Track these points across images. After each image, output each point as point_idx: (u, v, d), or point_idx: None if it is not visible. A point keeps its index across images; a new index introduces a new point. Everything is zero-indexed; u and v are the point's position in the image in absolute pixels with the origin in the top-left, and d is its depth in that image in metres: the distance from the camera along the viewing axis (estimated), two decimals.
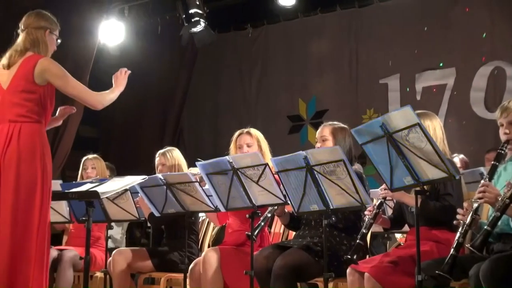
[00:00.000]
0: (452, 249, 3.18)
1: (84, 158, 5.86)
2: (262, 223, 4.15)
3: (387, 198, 3.91)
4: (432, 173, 3.17)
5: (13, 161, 3.77)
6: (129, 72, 4.29)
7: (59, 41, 4.17)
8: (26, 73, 3.87)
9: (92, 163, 5.78)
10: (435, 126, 3.78)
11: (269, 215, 4.20)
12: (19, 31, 4.06)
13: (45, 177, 3.83)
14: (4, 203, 3.73)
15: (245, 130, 4.79)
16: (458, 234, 3.23)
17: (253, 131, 4.79)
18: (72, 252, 5.27)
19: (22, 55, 3.95)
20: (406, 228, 4.13)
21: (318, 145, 4.31)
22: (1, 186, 3.76)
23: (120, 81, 4.23)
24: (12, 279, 3.65)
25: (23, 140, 3.81)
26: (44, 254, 3.78)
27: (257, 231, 4.08)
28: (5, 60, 3.98)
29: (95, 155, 5.88)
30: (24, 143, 3.81)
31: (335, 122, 4.38)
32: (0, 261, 3.65)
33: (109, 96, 4.12)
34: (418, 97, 8.11)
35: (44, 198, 3.80)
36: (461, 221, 3.27)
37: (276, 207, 4.16)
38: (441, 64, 8.01)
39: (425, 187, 3.30)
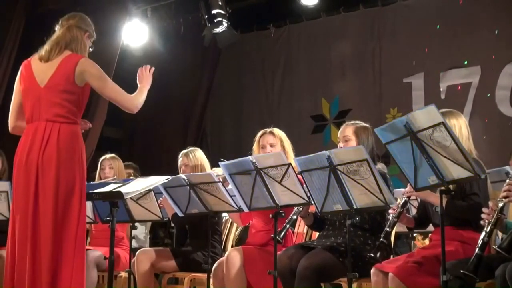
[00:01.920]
0: (477, 249, 3.15)
1: (102, 158, 5.86)
2: (288, 226, 4.14)
3: (412, 198, 3.89)
4: (457, 172, 3.14)
5: (53, 162, 3.73)
6: (153, 68, 4.26)
7: (91, 49, 4.13)
8: (67, 73, 3.83)
9: (109, 163, 5.76)
10: (461, 125, 3.74)
11: (294, 217, 4.19)
12: (57, 26, 4.02)
13: (82, 179, 3.82)
14: (45, 205, 3.70)
15: (268, 130, 4.78)
16: (483, 234, 3.20)
17: (276, 131, 4.78)
18: (97, 252, 5.30)
19: (61, 51, 3.89)
20: (430, 228, 4.10)
21: (341, 145, 4.29)
22: (40, 187, 3.73)
23: (146, 79, 4.18)
24: (54, 280, 3.66)
25: (63, 141, 3.78)
26: (83, 256, 3.78)
27: (282, 233, 4.07)
28: (44, 52, 3.91)
29: (112, 155, 5.86)
30: (63, 144, 3.78)
31: (357, 122, 4.36)
32: (43, 262, 3.66)
33: (141, 98, 4.07)
34: (443, 96, 8.04)
35: (82, 200, 3.79)
36: (486, 221, 3.23)
37: (301, 208, 4.15)
38: (465, 62, 7.93)
39: (450, 186, 3.27)
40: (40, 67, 3.90)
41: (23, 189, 3.77)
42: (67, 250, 3.70)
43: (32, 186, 3.74)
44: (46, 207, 3.70)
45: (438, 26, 8.14)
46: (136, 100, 4.02)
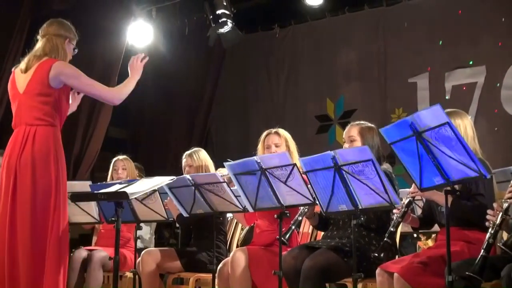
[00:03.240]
0: (482, 250, 3.14)
1: (115, 159, 5.88)
2: (293, 227, 4.13)
3: (416, 198, 3.88)
4: (462, 172, 3.12)
5: (28, 164, 3.85)
6: (147, 58, 4.28)
7: (75, 50, 4.24)
8: (42, 76, 3.95)
9: (122, 164, 5.80)
10: (466, 125, 3.73)
11: (300, 218, 4.18)
12: (38, 37, 4.14)
13: (59, 180, 3.90)
14: (22, 206, 3.80)
15: (273, 130, 4.77)
16: (488, 235, 3.19)
17: (281, 131, 4.78)
18: (102, 253, 5.31)
19: (39, 60, 4.02)
20: (435, 228, 4.09)
21: (346, 145, 4.29)
22: (18, 189, 3.83)
23: (136, 69, 4.23)
24: (32, 283, 3.71)
25: (38, 143, 3.89)
26: (58, 256, 3.82)
27: (288, 235, 4.06)
28: (23, 64, 4.08)
29: (125, 156, 5.90)
30: (38, 146, 3.88)
31: (362, 122, 4.35)
32: (21, 265, 3.71)
33: (126, 89, 4.14)
34: (448, 96, 8.02)
35: (57, 201, 3.87)
36: (491, 222, 3.22)
37: (307, 209, 4.15)
38: (471, 62, 7.91)
39: (455, 186, 3.26)
40: (20, 77, 4.06)
41: (4, 192, 3.88)
42: (43, 250, 3.77)
43: (11, 189, 3.84)
44: (23, 209, 3.80)
45: (443, 26, 8.13)
46: (118, 92, 4.11)
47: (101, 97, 4.11)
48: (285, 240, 4.00)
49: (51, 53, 4.05)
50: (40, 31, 4.14)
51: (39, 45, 4.10)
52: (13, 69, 4.16)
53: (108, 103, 4.11)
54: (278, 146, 4.68)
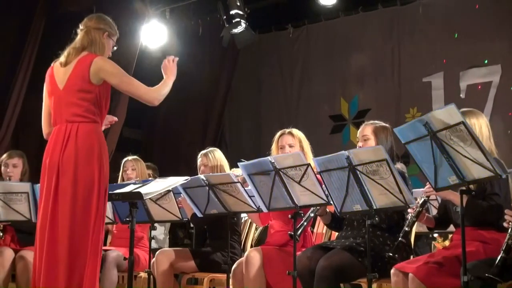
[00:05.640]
0: (501, 251, 3.12)
1: (124, 159, 5.87)
2: (305, 223, 4.13)
3: (431, 198, 3.86)
4: (477, 172, 3.11)
5: (71, 161, 3.77)
6: (177, 58, 4.26)
7: (115, 47, 4.16)
8: (82, 72, 3.86)
9: (132, 165, 5.78)
10: (481, 124, 3.71)
11: (311, 215, 4.18)
12: (78, 30, 4.06)
13: (102, 177, 3.83)
14: (63, 204, 3.74)
15: (287, 130, 4.77)
16: (507, 237, 3.17)
17: (295, 131, 4.77)
18: (116, 253, 5.32)
19: (78, 53, 3.94)
20: (450, 228, 4.07)
21: (360, 144, 4.28)
22: (60, 186, 3.77)
23: (171, 70, 4.18)
24: (70, 278, 3.69)
25: (81, 140, 3.81)
26: (98, 255, 3.80)
27: (299, 231, 4.06)
28: (62, 58, 3.97)
29: (135, 156, 5.87)
30: (81, 143, 3.81)
31: (376, 121, 4.34)
32: (60, 259, 3.70)
33: (164, 90, 4.06)
34: (463, 95, 7.98)
35: (100, 199, 3.80)
36: (510, 223, 3.20)
37: (319, 207, 4.14)
38: (486, 61, 7.87)
39: (470, 186, 3.24)
40: (59, 71, 3.96)
41: (46, 190, 3.83)
42: (83, 248, 3.72)
43: (53, 187, 3.78)
44: (64, 207, 3.74)
45: (457, 25, 8.08)
46: (157, 92, 4.02)
47: (140, 97, 3.97)
48: (297, 237, 3.99)
49: (89, 46, 3.96)
50: (80, 25, 4.07)
51: (78, 38, 4.02)
52: (52, 64, 4.05)
53: (147, 103, 4.02)
54: (292, 146, 4.68)
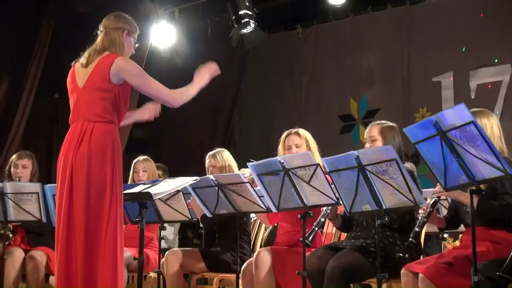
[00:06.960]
0: None
1: (135, 160, 5.81)
2: (316, 228, 4.12)
3: (442, 198, 3.85)
4: (488, 171, 3.09)
5: (84, 160, 3.77)
6: (218, 72, 4.23)
7: (137, 45, 4.16)
8: (103, 71, 3.86)
9: (143, 166, 5.73)
10: (492, 124, 3.69)
11: (322, 219, 4.16)
12: (98, 31, 4.06)
13: (115, 177, 3.81)
14: (78, 203, 3.75)
15: (294, 130, 4.76)
16: None
17: (302, 131, 4.76)
18: (126, 253, 5.32)
19: (100, 54, 3.93)
20: (461, 228, 4.05)
21: (367, 145, 4.27)
22: (74, 186, 3.77)
23: (203, 77, 4.17)
24: (90, 277, 3.70)
25: (95, 140, 3.80)
26: (116, 256, 3.77)
27: (311, 236, 4.05)
28: (83, 59, 3.97)
29: (145, 157, 5.83)
30: (95, 143, 3.80)
31: (383, 121, 4.33)
32: (78, 260, 3.70)
33: (187, 94, 4.05)
34: (473, 95, 7.94)
35: (113, 198, 3.78)
36: None
37: (329, 210, 4.13)
38: (496, 61, 7.83)
39: (481, 186, 3.23)
40: (80, 71, 3.96)
41: (60, 188, 3.84)
42: (99, 247, 3.73)
43: (67, 186, 3.79)
44: (78, 206, 3.74)
45: (467, 24, 8.05)
46: (180, 95, 4.01)
47: (161, 99, 3.98)
48: (308, 242, 3.99)
49: (110, 47, 3.96)
50: (100, 26, 4.06)
51: (98, 39, 4.02)
52: (72, 63, 4.06)
53: (167, 105, 4.00)
54: (298, 146, 4.67)
